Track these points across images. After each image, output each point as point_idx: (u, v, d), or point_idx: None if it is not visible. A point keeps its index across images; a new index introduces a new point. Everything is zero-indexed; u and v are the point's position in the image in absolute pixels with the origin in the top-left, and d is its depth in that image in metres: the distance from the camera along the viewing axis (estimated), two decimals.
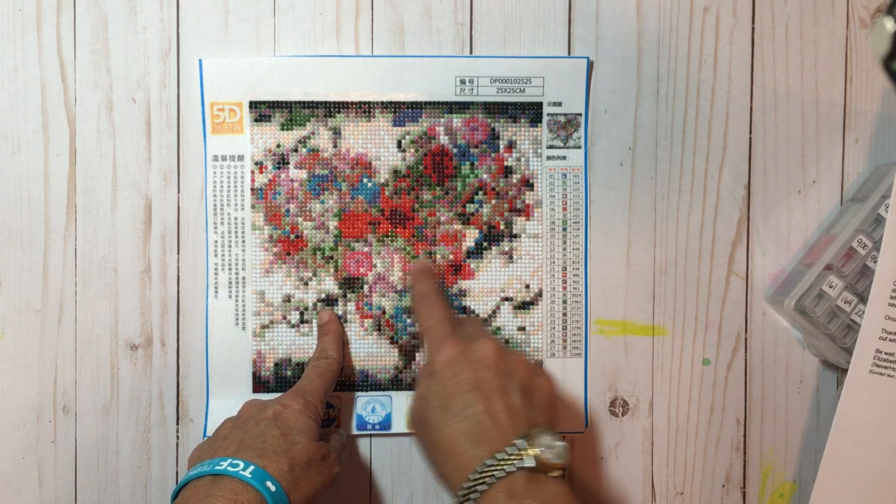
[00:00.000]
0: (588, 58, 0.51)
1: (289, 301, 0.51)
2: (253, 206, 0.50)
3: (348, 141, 0.51)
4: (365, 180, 0.51)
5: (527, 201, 0.51)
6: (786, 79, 0.51)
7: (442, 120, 0.51)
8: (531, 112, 0.51)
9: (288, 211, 0.51)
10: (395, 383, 0.51)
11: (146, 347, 0.51)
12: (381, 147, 0.51)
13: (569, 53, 0.51)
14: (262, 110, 0.50)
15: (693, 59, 0.51)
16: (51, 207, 0.50)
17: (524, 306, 0.51)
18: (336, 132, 0.51)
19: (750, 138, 0.52)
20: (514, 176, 0.51)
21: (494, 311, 0.51)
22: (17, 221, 0.50)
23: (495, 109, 0.51)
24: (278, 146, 0.50)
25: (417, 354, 0.51)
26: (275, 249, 0.51)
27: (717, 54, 0.51)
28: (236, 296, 0.51)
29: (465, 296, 0.51)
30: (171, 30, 0.50)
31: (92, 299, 0.50)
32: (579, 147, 0.51)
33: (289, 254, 0.51)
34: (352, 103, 0.50)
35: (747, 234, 0.52)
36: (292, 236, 0.51)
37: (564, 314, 0.51)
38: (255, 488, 0.39)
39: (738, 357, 0.52)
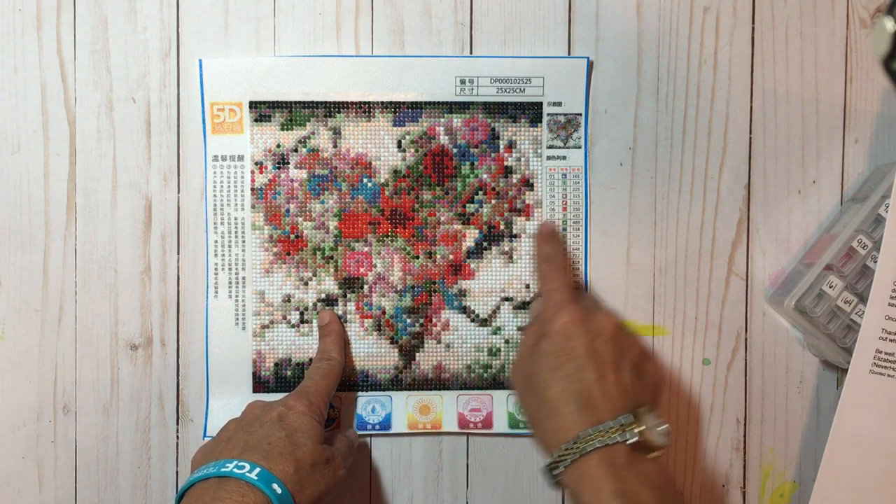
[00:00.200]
0: (588, 58, 0.51)
1: (289, 301, 0.51)
2: (253, 206, 0.50)
3: (348, 141, 0.51)
4: (365, 180, 0.51)
5: (527, 201, 0.51)
6: (786, 79, 0.51)
7: (442, 120, 0.51)
8: (531, 112, 0.51)
9: (288, 211, 0.51)
10: (395, 383, 0.51)
11: (146, 347, 0.51)
12: (381, 147, 0.51)
13: (569, 53, 0.51)
14: (262, 110, 0.50)
15: (693, 59, 0.51)
16: (51, 207, 0.50)
17: (524, 306, 0.51)
18: (336, 132, 0.51)
19: (750, 138, 0.52)
20: (514, 176, 0.51)
21: (494, 311, 0.51)
22: (17, 221, 0.50)
23: (495, 109, 0.51)
24: (278, 146, 0.50)
25: (417, 354, 0.51)
26: (275, 249, 0.51)
27: (717, 54, 0.51)
28: (236, 296, 0.51)
29: (465, 296, 0.51)
30: (171, 30, 0.50)
31: (92, 299, 0.50)
32: (579, 147, 0.51)
33: (289, 254, 0.51)
34: (352, 103, 0.50)
35: (747, 234, 0.52)
36: (292, 236, 0.51)
37: None
38: (261, 490, 0.39)
39: (738, 357, 0.52)
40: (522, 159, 0.51)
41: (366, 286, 0.51)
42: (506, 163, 0.51)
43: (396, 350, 0.51)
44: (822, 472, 0.47)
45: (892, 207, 0.45)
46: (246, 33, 0.50)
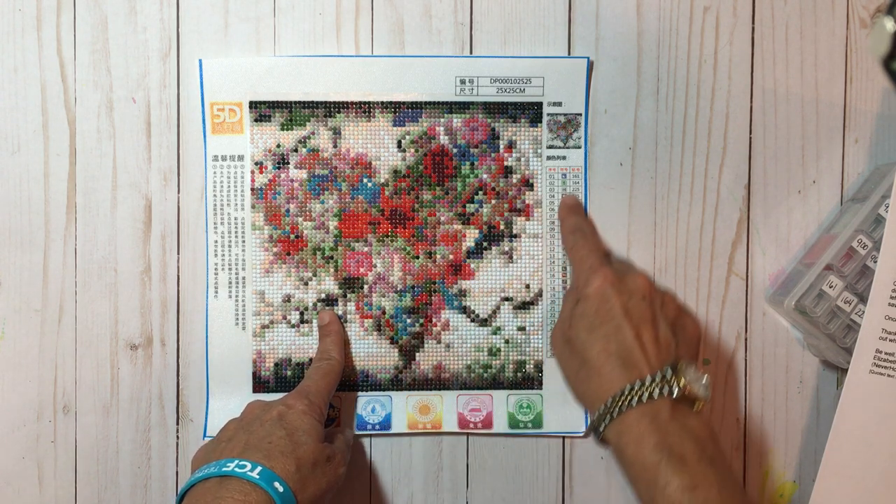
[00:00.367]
0: (588, 58, 0.51)
1: (289, 301, 0.51)
2: (253, 206, 0.50)
3: (348, 141, 0.51)
4: (365, 180, 0.51)
5: (527, 201, 0.51)
6: (786, 79, 0.51)
7: (442, 120, 0.51)
8: (531, 112, 0.51)
9: (288, 211, 0.51)
10: (395, 383, 0.51)
11: (146, 347, 0.51)
12: (381, 147, 0.51)
13: (569, 53, 0.51)
14: (262, 110, 0.50)
15: (693, 59, 0.51)
16: (51, 207, 0.50)
17: (524, 306, 0.51)
18: (336, 132, 0.51)
19: (750, 138, 0.52)
20: (514, 176, 0.51)
21: (494, 311, 0.51)
22: (17, 221, 0.50)
23: (495, 109, 0.51)
24: (278, 146, 0.50)
25: (417, 354, 0.51)
26: (275, 249, 0.51)
27: (717, 54, 0.51)
28: (236, 296, 0.51)
29: (465, 296, 0.51)
30: (171, 30, 0.50)
31: (92, 299, 0.50)
32: (579, 147, 0.51)
33: (289, 254, 0.51)
34: (352, 103, 0.50)
35: (747, 234, 0.52)
36: (292, 236, 0.51)
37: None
38: (263, 489, 0.39)
39: (738, 357, 0.52)
40: (522, 159, 0.51)
41: (366, 286, 0.51)
42: (506, 163, 0.51)
43: (396, 350, 0.51)
44: (822, 472, 0.47)
45: (892, 207, 0.45)
46: (246, 33, 0.50)
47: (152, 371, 0.51)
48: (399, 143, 0.51)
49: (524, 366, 0.51)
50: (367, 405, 0.51)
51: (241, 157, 0.50)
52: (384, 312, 0.51)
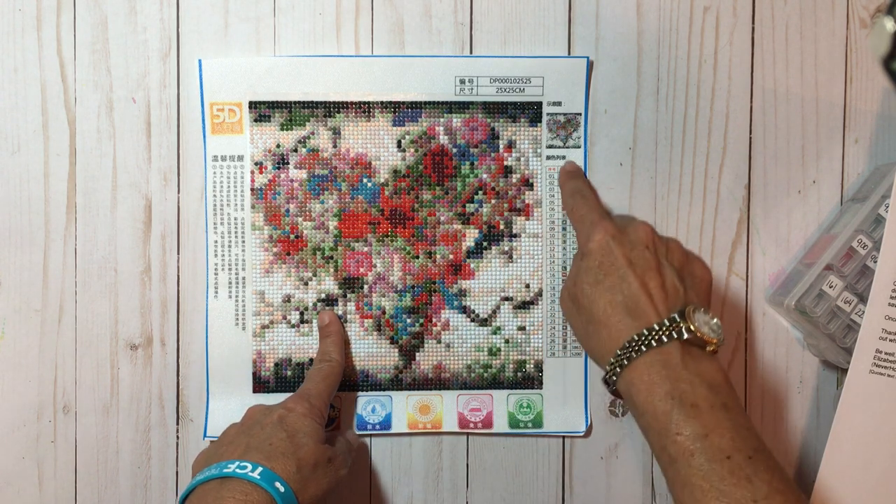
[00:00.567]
0: (588, 58, 0.51)
1: (289, 301, 0.51)
2: (253, 206, 0.50)
3: (348, 141, 0.51)
4: (365, 180, 0.51)
5: (526, 201, 0.51)
6: (786, 79, 0.51)
7: (442, 120, 0.51)
8: (531, 112, 0.51)
9: (288, 211, 0.51)
10: (395, 383, 0.51)
11: (146, 347, 0.51)
12: (380, 147, 0.51)
13: (569, 53, 0.51)
14: (262, 110, 0.50)
15: (693, 59, 0.51)
16: (51, 207, 0.50)
17: (524, 306, 0.51)
18: (336, 132, 0.51)
19: (750, 138, 0.52)
20: (514, 176, 0.51)
21: (494, 311, 0.51)
22: (17, 221, 0.50)
23: (495, 109, 0.51)
24: (278, 146, 0.50)
25: (417, 354, 0.51)
26: (275, 249, 0.51)
27: (717, 54, 0.51)
28: (236, 296, 0.51)
29: (465, 296, 0.51)
30: (171, 30, 0.50)
31: (92, 299, 0.50)
32: (579, 147, 0.51)
33: (289, 254, 0.51)
34: (352, 103, 0.50)
35: (747, 234, 0.52)
36: (292, 236, 0.51)
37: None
38: (264, 489, 0.39)
39: (738, 357, 0.52)
40: (522, 159, 0.51)
41: (366, 286, 0.51)
42: (505, 162, 0.51)
43: (396, 350, 0.51)
44: (822, 472, 0.47)
45: (892, 207, 0.45)
46: (246, 33, 0.50)
47: (152, 371, 0.51)
48: (399, 142, 0.51)
49: (524, 365, 0.51)
50: (367, 405, 0.51)
51: (240, 158, 0.50)
52: (384, 312, 0.51)
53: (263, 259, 0.51)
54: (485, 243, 0.51)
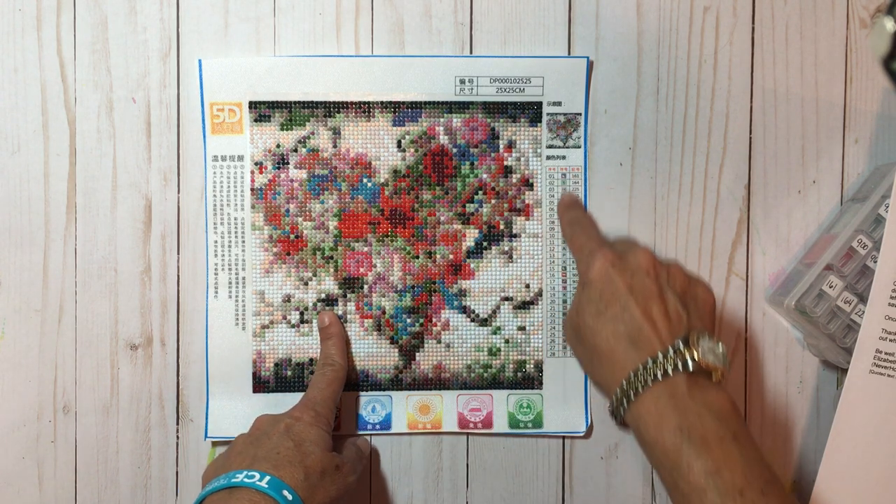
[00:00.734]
0: (588, 58, 0.51)
1: (289, 301, 0.51)
2: (253, 206, 0.50)
3: (348, 141, 0.51)
4: (365, 180, 0.51)
5: (526, 201, 0.51)
6: (786, 79, 0.51)
7: (442, 120, 0.51)
8: (531, 112, 0.51)
9: (288, 211, 0.51)
10: (395, 383, 0.51)
11: (146, 347, 0.51)
12: (380, 147, 0.51)
13: (569, 53, 0.51)
14: (262, 110, 0.50)
15: (693, 59, 0.51)
16: (51, 207, 0.50)
17: (524, 306, 0.51)
18: (336, 132, 0.51)
19: (750, 138, 0.52)
20: (514, 176, 0.51)
21: (494, 311, 0.51)
22: (17, 221, 0.50)
23: (495, 109, 0.51)
24: (278, 146, 0.50)
25: (417, 354, 0.51)
26: (275, 249, 0.51)
27: (717, 54, 0.51)
28: (236, 296, 0.51)
29: (465, 296, 0.51)
30: (171, 30, 0.50)
31: (92, 299, 0.50)
32: (579, 147, 0.51)
33: (289, 254, 0.51)
34: (352, 103, 0.50)
35: (747, 234, 0.52)
36: (292, 236, 0.51)
37: (564, 314, 0.51)
38: (272, 498, 0.39)
39: (738, 357, 0.52)
40: (522, 159, 0.51)
41: (366, 286, 0.51)
42: (505, 162, 0.51)
43: (396, 350, 0.51)
44: (822, 472, 0.47)
45: (892, 207, 0.45)
46: (246, 33, 0.50)
47: (152, 371, 0.51)
48: (399, 142, 0.51)
49: (524, 365, 0.51)
50: (368, 405, 0.51)
51: (240, 158, 0.50)
52: (384, 312, 0.51)
53: (263, 259, 0.51)
54: (485, 243, 0.51)
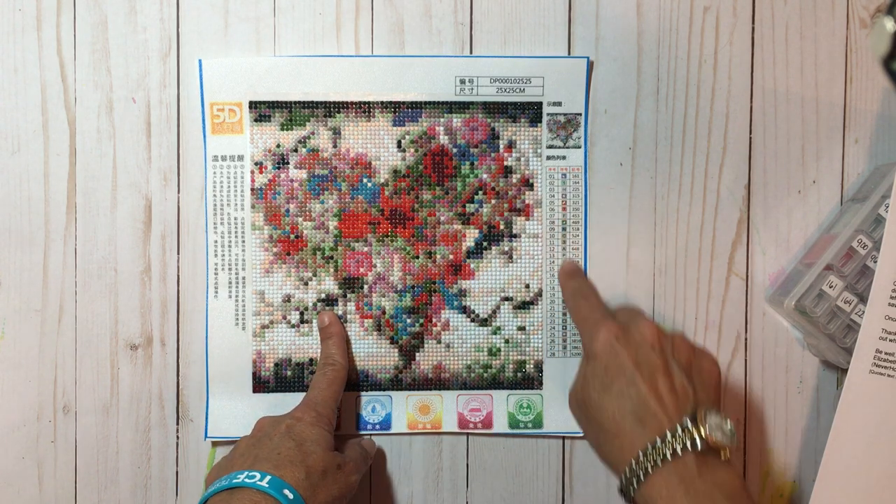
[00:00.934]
0: (588, 58, 0.51)
1: (289, 301, 0.51)
2: (253, 206, 0.50)
3: (348, 141, 0.51)
4: (365, 180, 0.51)
5: (527, 201, 0.51)
6: (786, 79, 0.51)
7: (442, 120, 0.51)
8: (531, 112, 0.51)
9: (288, 211, 0.51)
10: (395, 383, 0.51)
11: (146, 347, 0.51)
12: (380, 147, 0.51)
13: (569, 53, 0.51)
14: (262, 110, 0.50)
15: (693, 59, 0.51)
16: (51, 207, 0.50)
17: (524, 306, 0.51)
18: (336, 132, 0.51)
19: (750, 138, 0.52)
20: (514, 176, 0.51)
21: (494, 311, 0.51)
22: (17, 221, 0.50)
23: (495, 109, 0.51)
24: (278, 146, 0.50)
25: (417, 354, 0.51)
26: (275, 249, 0.51)
27: (717, 54, 0.51)
28: (236, 296, 0.51)
29: (465, 296, 0.51)
30: (171, 30, 0.50)
31: (92, 299, 0.50)
32: (579, 147, 0.51)
33: (289, 254, 0.51)
34: (352, 103, 0.50)
35: (747, 234, 0.52)
36: (292, 236, 0.51)
37: (564, 314, 0.51)
38: (273, 497, 0.39)
39: (738, 357, 0.52)
40: (522, 159, 0.51)
41: (366, 286, 0.51)
42: (506, 163, 0.51)
43: (396, 350, 0.51)
44: (822, 472, 0.46)
45: (892, 207, 0.45)
46: (246, 33, 0.50)
47: (152, 371, 0.51)
48: (399, 142, 0.51)
49: (524, 366, 0.51)
50: (368, 405, 0.51)
51: (240, 157, 0.50)
52: (384, 312, 0.51)
53: (263, 259, 0.51)
54: (485, 243, 0.51)
